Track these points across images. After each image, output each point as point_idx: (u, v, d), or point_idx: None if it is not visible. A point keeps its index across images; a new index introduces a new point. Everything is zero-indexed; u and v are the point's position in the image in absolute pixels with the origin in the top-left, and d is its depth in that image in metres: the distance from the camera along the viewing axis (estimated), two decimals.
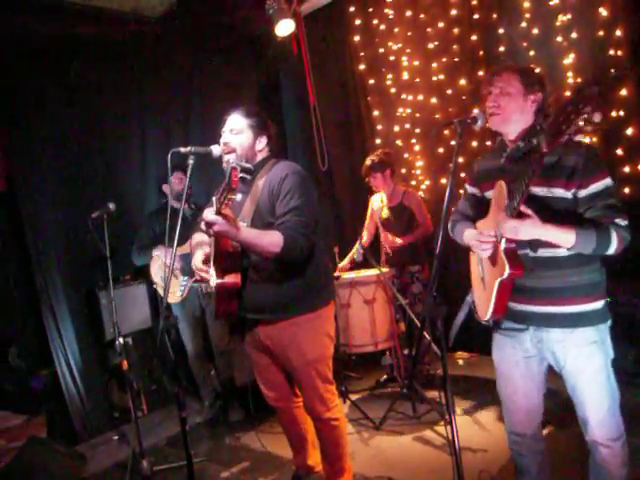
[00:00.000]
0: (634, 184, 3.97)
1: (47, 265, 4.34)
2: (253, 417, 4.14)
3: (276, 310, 2.62)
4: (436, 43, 5.05)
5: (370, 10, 5.45)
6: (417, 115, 5.24)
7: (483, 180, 2.28)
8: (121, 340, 3.57)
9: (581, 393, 2.06)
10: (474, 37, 4.78)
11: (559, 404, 2.77)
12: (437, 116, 5.05)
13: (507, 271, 1.96)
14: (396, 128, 5.40)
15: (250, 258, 2.60)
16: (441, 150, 5.05)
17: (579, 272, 2.04)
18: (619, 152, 4.00)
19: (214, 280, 2.58)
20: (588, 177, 1.97)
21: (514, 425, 2.29)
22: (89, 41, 4.59)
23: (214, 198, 2.27)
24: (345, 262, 4.50)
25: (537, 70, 2.27)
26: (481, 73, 4.67)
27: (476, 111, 2.16)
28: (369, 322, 4.05)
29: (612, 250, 1.95)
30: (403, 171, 5.34)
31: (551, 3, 4.26)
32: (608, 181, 1.98)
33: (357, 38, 5.57)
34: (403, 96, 5.32)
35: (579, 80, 4.14)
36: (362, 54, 5.58)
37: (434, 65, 5.07)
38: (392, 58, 5.35)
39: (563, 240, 1.93)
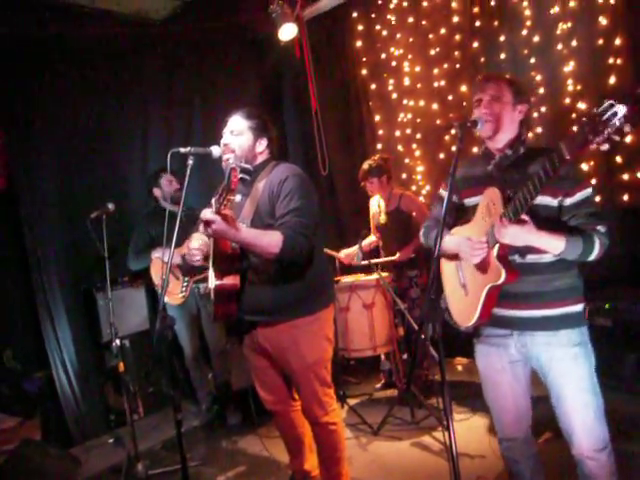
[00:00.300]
0: (633, 191, 3.98)
1: (45, 265, 4.33)
2: (251, 421, 4.13)
3: (275, 312, 2.60)
4: (438, 49, 5.07)
5: (373, 16, 5.48)
6: (418, 121, 5.25)
7: (464, 187, 2.27)
8: (118, 342, 3.56)
9: (566, 399, 2.05)
10: (475, 44, 4.80)
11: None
12: (438, 122, 5.06)
13: (503, 277, 1.97)
14: (397, 133, 5.42)
15: (250, 260, 2.59)
16: (442, 156, 5.06)
17: (561, 277, 2.08)
18: (618, 159, 4.01)
19: (213, 282, 2.58)
20: (574, 186, 2.02)
21: (505, 431, 2.28)
22: (93, 42, 4.61)
23: (213, 199, 2.27)
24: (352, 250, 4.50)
25: (524, 82, 2.32)
26: None
27: (474, 116, 2.16)
28: (368, 326, 4.04)
29: (594, 256, 1.99)
30: (404, 176, 5.35)
31: (552, 11, 4.28)
32: (590, 190, 2.04)
33: (359, 43, 5.60)
34: (404, 101, 5.34)
35: (579, 88, 4.16)
36: (364, 59, 5.60)
37: (435, 71, 5.09)
38: (394, 64, 5.37)
39: (554, 246, 1.97)
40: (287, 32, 5.22)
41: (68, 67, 4.54)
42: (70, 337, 4.40)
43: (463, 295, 2.22)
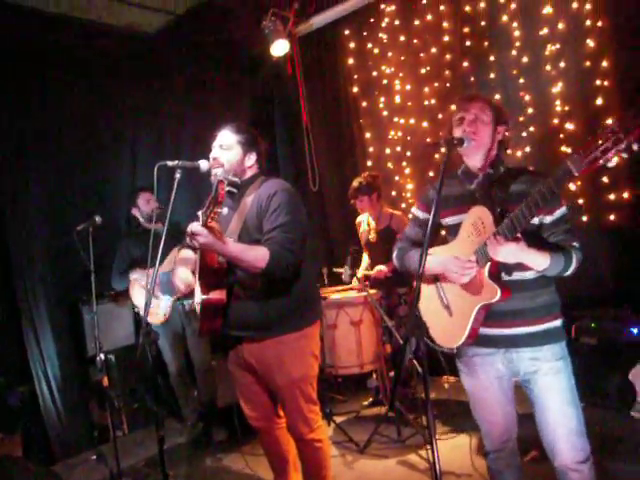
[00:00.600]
0: (619, 211, 4.02)
1: (29, 278, 4.30)
2: (236, 438, 4.09)
3: (261, 328, 2.58)
4: (428, 68, 5.11)
5: (364, 34, 5.53)
6: (408, 138, 5.29)
7: (443, 206, 2.24)
8: (102, 356, 3.51)
9: (550, 411, 2.08)
10: (465, 63, 4.85)
11: None
12: (428, 140, 5.10)
13: (499, 295, 1.99)
14: (387, 151, 5.44)
15: (236, 274, 2.58)
16: (431, 173, 5.09)
17: (542, 293, 2.13)
18: (605, 180, 4.05)
19: (199, 296, 2.56)
20: (554, 204, 2.05)
21: (494, 443, 2.28)
22: (83, 54, 4.62)
23: (200, 211, 2.26)
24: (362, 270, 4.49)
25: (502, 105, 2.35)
26: None
27: (457, 134, 2.18)
28: (355, 343, 4.03)
29: (571, 271, 2.04)
30: (393, 194, 5.37)
31: (541, 33, 4.34)
32: (565, 208, 2.10)
33: (351, 61, 5.64)
34: (395, 119, 5.37)
35: (567, 108, 4.21)
36: (355, 77, 5.64)
37: (426, 90, 5.13)
38: (385, 82, 5.41)
39: (540, 263, 2.00)
40: (279, 48, 5.28)
41: (57, 79, 4.54)
42: (54, 351, 4.34)
43: (447, 316, 2.22)
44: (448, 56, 4.97)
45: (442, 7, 4.95)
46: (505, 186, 2.11)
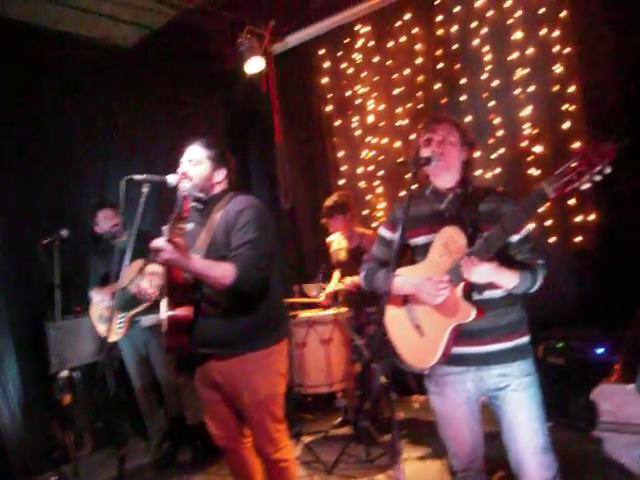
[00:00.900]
0: (585, 233, 4.09)
1: None
2: (202, 458, 4.00)
3: (228, 345, 2.55)
4: (401, 89, 5.18)
5: (339, 54, 5.58)
6: (381, 158, 5.33)
7: (410, 227, 2.24)
8: (65, 373, 3.42)
9: (518, 427, 2.08)
10: (438, 85, 4.93)
11: None
12: (400, 160, 5.12)
13: (473, 314, 2.01)
14: (360, 170, 5.48)
15: (203, 291, 2.55)
16: (403, 193, 5.12)
17: (510, 311, 2.16)
18: (571, 202, 4.13)
19: (165, 312, 2.52)
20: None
21: (462, 462, 2.27)
22: (57, 65, 4.57)
23: (165, 227, 2.24)
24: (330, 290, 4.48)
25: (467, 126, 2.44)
26: None
27: (427, 154, 2.20)
28: (325, 362, 4.00)
29: (536, 287, 2.09)
30: (365, 213, 5.39)
31: (511, 57, 4.45)
32: (530, 226, 2.17)
33: (325, 80, 5.69)
34: (368, 139, 5.42)
35: (535, 131, 4.30)
36: (330, 96, 5.69)
37: (399, 110, 5.20)
38: (358, 101, 5.46)
39: (509, 281, 2.04)
40: (254, 65, 5.31)
41: (26, 90, 4.47)
42: (16, 368, 4.22)
43: (418, 337, 2.20)
44: (421, 78, 5.05)
45: (415, 30, 5.05)
46: (474, 205, 2.14)
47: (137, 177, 2.38)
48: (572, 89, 4.15)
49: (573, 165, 1.72)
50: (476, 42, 4.65)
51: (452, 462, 2.32)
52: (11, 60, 4.28)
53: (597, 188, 3.80)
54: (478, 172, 2.33)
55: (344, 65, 5.54)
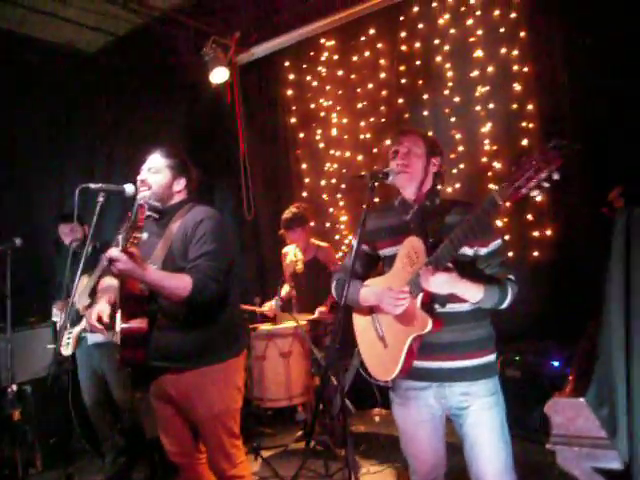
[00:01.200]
0: (542, 248, 4.18)
1: None
2: (159, 475, 3.90)
3: (183, 359, 2.50)
4: (365, 103, 5.22)
5: (304, 66, 5.60)
6: (343, 171, 5.35)
7: (379, 238, 2.28)
8: (14, 387, 3.30)
9: (480, 447, 2.07)
10: (400, 100, 4.99)
11: None
12: (362, 173, 5.15)
13: (430, 325, 1.98)
14: (323, 182, 5.49)
15: (159, 302, 2.49)
16: (365, 206, 5.13)
17: (477, 326, 2.13)
18: (529, 217, 4.23)
19: (119, 325, 2.46)
20: (489, 237, 2.10)
21: (422, 478, 2.26)
22: (15, 69, 4.46)
23: (119, 236, 2.19)
24: (267, 308, 4.44)
25: (435, 138, 2.41)
26: None
27: (388, 168, 2.21)
28: (284, 376, 3.95)
29: (506, 304, 2.07)
30: (328, 225, 5.40)
31: (472, 75, 4.54)
32: (500, 240, 2.15)
33: (290, 92, 5.69)
34: (331, 152, 5.44)
35: (495, 148, 4.38)
36: (294, 108, 5.69)
37: (362, 124, 5.23)
38: (322, 114, 5.49)
39: (473, 295, 2.01)
40: (219, 76, 5.28)
41: None
42: None
43: (382, 348, 2.19)
44: (384, 92, 5.10)
45: (380, 45, 5.11)
46: (440, 217, 2.15)
47: (92, 186, 2.33)
48: (530, 107, 4.26)
49: (520, 171, 1.73)
50: (438, 59, 4.73)
51: (412, 478, 2.30)
52: None
53: (554, 203, 3.96)
54: (438, 187, 2.33)
55: (309, 78, 5.56)
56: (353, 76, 5.29)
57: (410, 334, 2.03)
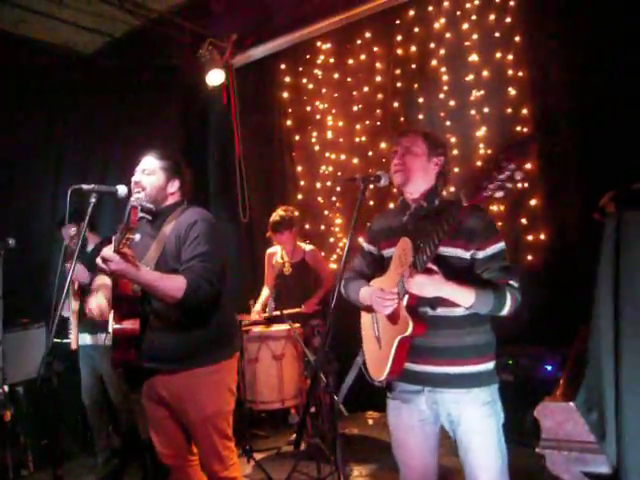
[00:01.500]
0: (535, 252, 4.19)
1: None
2: (149, 477, 3.89)
3: (176, 360, 2.50)
4: (360, 106, 5.23)
5: (300, 69, 5.60)
6: (339, 174, 5.35)
7: (382, 238, 2.29)
8: (5, 388, 3.29)
9: (474, 455, 2.04)
10: (396, 104, 5.00)
11: None
12: (357, 176, 5.16)
13: (410, 328, 1.95)
14: (318, 185, 5.49)
15: (152, 304, 2.50)
16: (356, 209, 5.14)
17: (473, 332, 2.08)
18: (523, 221, 4.24)
19: (111, 325, 2.46)
20: (486, 240, 2.04)
21: None
22: (12, 70, 4.45)
23: (114, 237, 2.20)
24: (259, 307, 4.43)
25: (441, 136, 2.38)
26: None
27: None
28: (277, 378, 3.96)
29: (506, 311, 2.00)
30: (322, 227, 5.40)
31: (467, 79, 4.55)
32: (502, 244, 2.08)
33: (286, 94, 5.69)
34: (327, 154, 5.44)
35: (489, 151, 4.39)
36: (290, 110, 5.69)
37: (357, 127, 5.24)
38: (318, 117, 5.49)
39: (463, 299, 1.97)
40: (215, 78, 5.29)
41: None
42: None
43: (377, 348, 2.19)
44: (379, 96, 5.11)
45: (375, 48, 5.12)
46: (436, 218, 2.08)
47: (85, 187, 2.33)
48: (525, 111, 4.27)
49: (483, 171, 1.71)
50: (434, 63, 4.74)
51: None
52: None
53: (548, 208, 3.96)
54: (440, 187, 2.30)
55: (304, 80, 5.56)
56: (349, 79, 5.29)
57: (396, 336, 2.02)
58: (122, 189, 2.46)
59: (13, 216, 4.57)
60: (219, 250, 2.51)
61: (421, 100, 4.82)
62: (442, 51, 4.70)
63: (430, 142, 2.21)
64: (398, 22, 4.93)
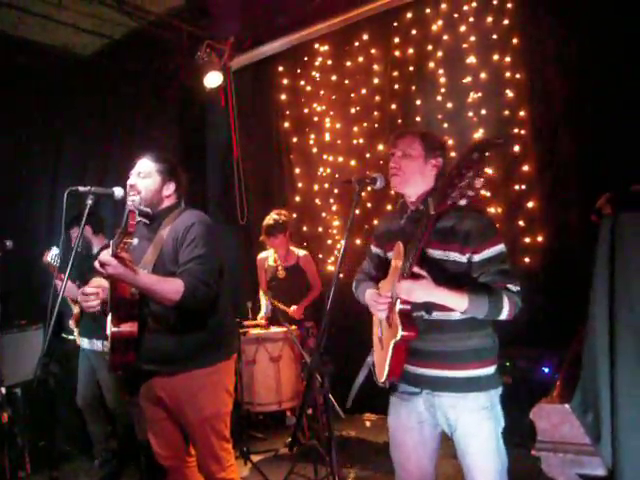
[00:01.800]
0: (533, 254, 4.19)
1: None
2: (146, 479, 3.88)
3: (173, 362, 2.51)
4: (358, 108, 5.24)
5: (298, 71, 5.61)
6: (336, 176, 5.35)
7: (386, 241, 2.29)
8: (3, 390, 3.29)
9: (471, 459, 2.05)
10: (393, 106, 5.01)
11: None
12: (353, 178, 5.15)
13: (400, 333, 1.94)
14: (316, 187, 5.49)
15: (150, 306, 2.50)
16: (357, 211, 5.13)
17: (472, 336, 2.06)
18: (520, 223, 4.24)
19: (109, 328, 2.46)
20: (482, 243, 2.01)
21: None
22: (9, 71, 4.46)
23: (111, 241, 2.20)
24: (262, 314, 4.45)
25: (439, 137, 2.33)
26: None
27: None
28: (274, 380, 3.96)
29: (504, 315, 1.98)
30: (320, 230, 5.40)
31: (464, 81, 4.55)
32: (501, 247, 2.03)
33: (284, 97, 5.70)
34: (324, 157, 5.45)
35: (486, 154, 4.38)
36: (287, 113, 5.70)
37: (355, 129, 5.25)
38: (316, 119, 5.49)
39: (455, 304, 1.95)
40: (213, 80, 5.30)
41: None
42: None
43: (381, 349, 2.20)
44: (377, 98, 5.12)
45: (373, 50, 5.13)
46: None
47: (82, 189, 2.34)
48: (522, 114, 4.27)
49: (449, 180, 1.70)
50: (431, 65, 4.74)
51: None
52: None
53: (546, 210, 3.96)
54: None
55: (302, 83, 5.57)
56: (346, 81, 5.30)
57: (392, 339, 2.02)
58: (119, 191, 2.47)
59: (11, 218, 4.56)
60: (216, 252, 2.51)
61: (419, 102, 4.82)
62: (439, 53, 4.70)
63: (427, 143, 2.17)
64: (396, 24, 4.94)
